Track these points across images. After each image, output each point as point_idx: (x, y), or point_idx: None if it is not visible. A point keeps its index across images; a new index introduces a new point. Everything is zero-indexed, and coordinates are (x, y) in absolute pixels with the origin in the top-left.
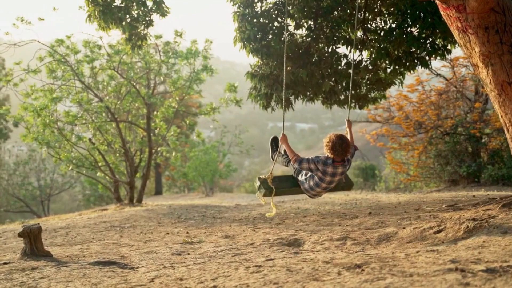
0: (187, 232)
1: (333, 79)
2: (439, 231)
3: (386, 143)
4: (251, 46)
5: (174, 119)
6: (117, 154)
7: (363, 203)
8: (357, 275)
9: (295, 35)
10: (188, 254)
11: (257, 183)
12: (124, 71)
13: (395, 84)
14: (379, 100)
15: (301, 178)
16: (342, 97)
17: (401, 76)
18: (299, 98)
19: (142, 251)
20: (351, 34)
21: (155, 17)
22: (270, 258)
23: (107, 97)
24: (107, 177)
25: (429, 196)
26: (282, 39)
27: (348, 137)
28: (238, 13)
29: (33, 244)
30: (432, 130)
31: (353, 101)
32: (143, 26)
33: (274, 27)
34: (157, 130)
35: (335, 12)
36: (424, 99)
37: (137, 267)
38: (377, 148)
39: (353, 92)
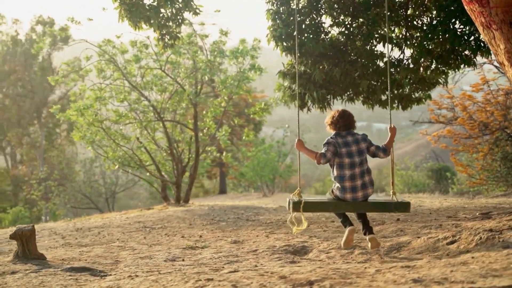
0: (200, 236)
1: (374, 78)
2: (452, 242)
3: (449, 145)
4: (284, 44)
5: (239, 119)
6: (164, 154)
7: None
8: None
9: (329, 33)
10: (183, 260)
11: (287, 204)
12: (171, 70)
13: (440, 83)
14: (423, 100)
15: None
16: (383, 97)
17: (444, 75)
18: (338, 98)
19: (140, 255)
20: (389, 31)
21: (188, 16)
22: (234, 271)
23: (154, 97)
24: (154, 176)
25: (475, 201)
26: (315, 37)
27: (388, 140)
28: (271, 11)
29: (25, 247)
30: (498, 132)
31: (396, 101)
32: (174, 25)
33: (308, 25)
34: (205, 130)
35: (376, 9)
36: (490, 99)
37: (110, 275)
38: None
39: (395, 92)
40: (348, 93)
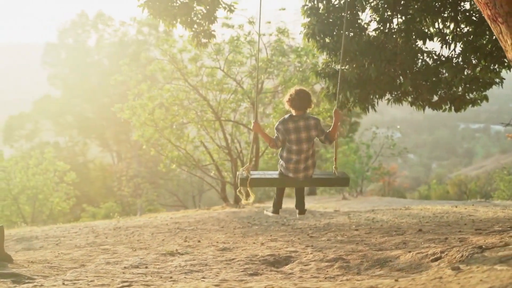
0: (199, 241)
1: (418, 77)
2: (437, 259)
3: None
4: (320, 42)
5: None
6: (223, 153)
7: (449, 217)
8: None
9: (366, 29)
10: (146, 267)
11: (237, 174)
12: (228, 69)
13: (496, 83)
14: (479, 102)
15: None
16: (435, 98)
17: (496, 75)
18: (383, 99)
19: (111, 260)
20: (431, 27)
21: (223, 13)
22: (128, 285)
23: (214, 96)
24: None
25: None
26: (351, 34)
27: (332, 127)
28: (305, 7)
29: None
30: None
31: (448, 102)
32: (207, 22)
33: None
34: (267, 130)
35: (417, 3)
36: None
37: (31, 282)
38: None
39: (446, 92)
40: (396, 93)
